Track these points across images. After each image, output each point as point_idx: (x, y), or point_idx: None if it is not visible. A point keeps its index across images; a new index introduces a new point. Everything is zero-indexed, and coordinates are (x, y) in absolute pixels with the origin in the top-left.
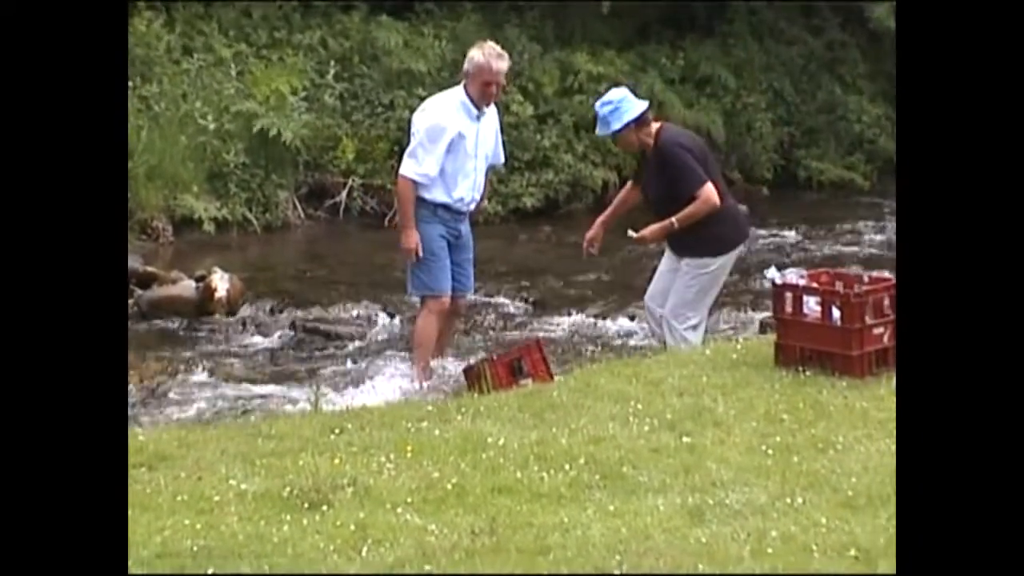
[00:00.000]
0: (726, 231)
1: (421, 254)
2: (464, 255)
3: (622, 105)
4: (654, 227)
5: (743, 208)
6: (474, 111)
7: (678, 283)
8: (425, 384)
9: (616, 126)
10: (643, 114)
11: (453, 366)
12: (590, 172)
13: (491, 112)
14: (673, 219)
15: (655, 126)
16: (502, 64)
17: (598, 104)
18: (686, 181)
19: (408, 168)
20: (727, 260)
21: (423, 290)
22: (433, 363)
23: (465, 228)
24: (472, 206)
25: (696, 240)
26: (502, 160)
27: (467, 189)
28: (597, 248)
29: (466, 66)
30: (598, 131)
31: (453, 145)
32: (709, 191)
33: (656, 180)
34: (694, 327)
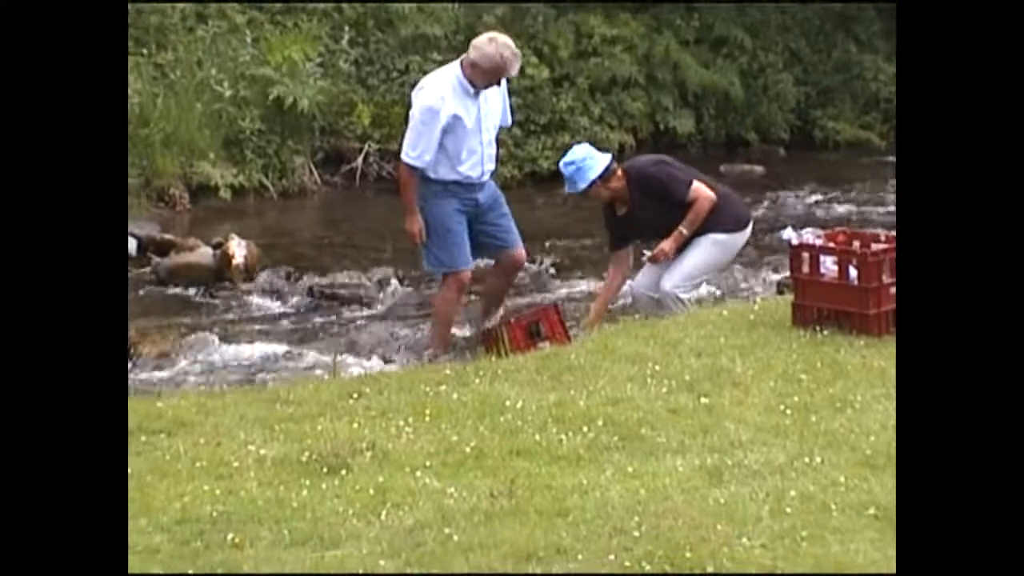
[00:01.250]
0: (732, 211)
1: (431, 234)
2: (495, 214)
3: (584, 164)
4: (667, 242)
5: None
6: (471, 90)
7: (688, 256)
8: (442, 357)
9: (582, 186)
10: (608, 168)
11: (469, 331)
12: (606, 135)
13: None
14: (681, 227)
15: (620, 170)
16: (517, 66)
17: (562, 164)
18: (676, 189)
19: (406, 153)
20: (740, 239)
21: (439, 266)
22: (490, 321)
23: (485, 195)
24: (485, 177)
25: (715, 222)
26: (509, 122)
27: (474, 164)
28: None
29: (475, 57)
30: (566, 190)
31: (450, 126)
32: (701, 189)
33: (644, 209)
34: (686, 289)
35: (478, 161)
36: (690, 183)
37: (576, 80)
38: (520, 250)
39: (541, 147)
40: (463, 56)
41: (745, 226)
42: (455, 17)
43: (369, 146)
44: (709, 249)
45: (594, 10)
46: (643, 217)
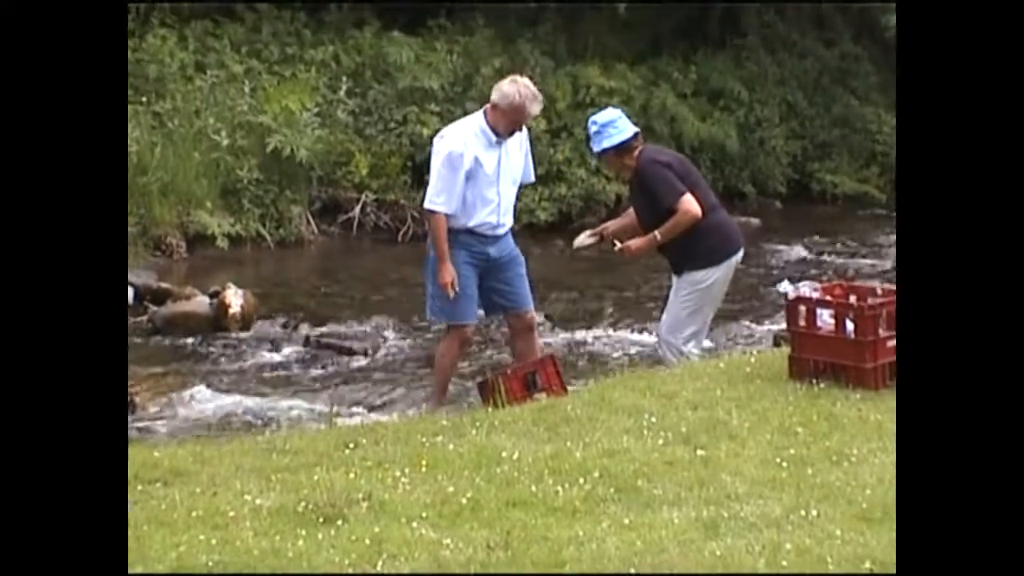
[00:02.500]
0: (715, 242)
1: (438, 283)
2: (509, 273)
3: (604, 130)
4: (639, 240)
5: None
6: (493, 138)
7: (674, 301)
8: (442, 410)
9: (596, 149)
10: (625, 142)
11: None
12: (603, 186)
13: (516, 134)
14: (656, 232)
15: (639, 150)
16: (537, 108)
17: (589, 122)
18: (664, 195)
19: (431, 200)
20: (721, 273)
21: (442, 317)
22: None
23: (498, 249)
24: (501, 230)
25: (686, 254)
26: (532, 178)
27: (489, 214)
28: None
29: (496, 98)
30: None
31: (471, 173)
32: (688, 202)
33: (639, 200)
34: (693, 335)
35: (493, 211)
36: (682, 193)
37: (573, 131)
38: (529, 312)
39: (538, 198)
40: (486, 105)
41: (722, 260)
42: (453, 69)
43: (366, 196)
44: (687, 291)
45: (592, 62)
46: (636, 202)
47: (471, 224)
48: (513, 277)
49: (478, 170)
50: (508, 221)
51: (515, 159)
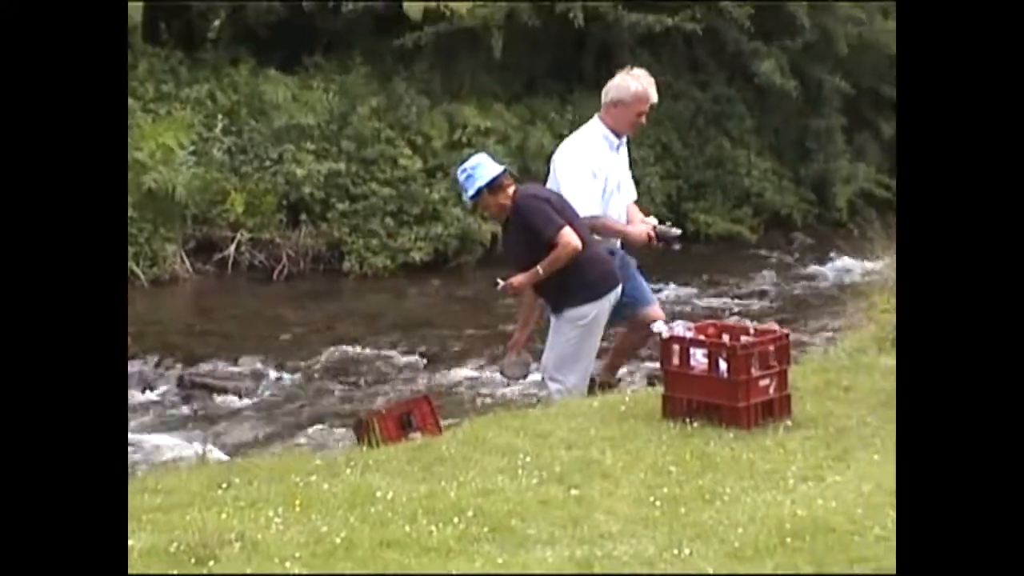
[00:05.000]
0: (594, 278)
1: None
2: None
3: (475, 172)
4: (521, 276)
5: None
6: (615, 141)
7: (557, 339)
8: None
9: (470, 192)
10: (496, 179)
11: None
12: (479, 226)
13: (624, 146)
14: (538, 266)
15: (513, 188)
16: (654, 91)
17: (458, 171)
18: (544, 228)
19: (589, 207)
20: (601, 308)
21: None
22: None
23: (617, 258)
24: (617, 243)
25: (566, 291)
26: (634, 195)
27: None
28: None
29: (615, 95)
30: (463, 199)
31: (603, 182)
32: (568, 235)
33: (517, 237)
34: (583, 371)
35: (617, 220)
36: (562, 226)
37: (449, 170)
38: (655, 308)
39: (414, 237)
40: (602, 106)
41: (602, 295)
42: (329, 107)
43: (241, 235)
44: (565, 331)
45: (468, 101)
46: (512, 242)
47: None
48: (629, 279)
49: (605, 179)
50: None
51: (625, 171)
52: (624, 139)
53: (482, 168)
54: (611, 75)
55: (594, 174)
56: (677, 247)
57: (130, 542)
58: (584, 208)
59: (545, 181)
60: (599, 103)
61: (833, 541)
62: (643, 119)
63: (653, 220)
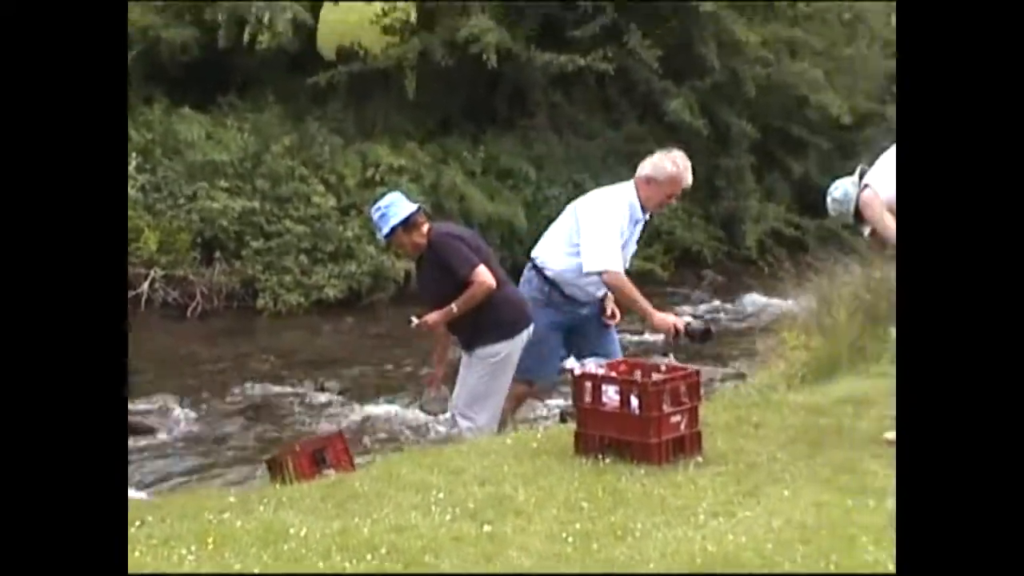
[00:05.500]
0: (507, 316)
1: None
2: (595, 325)
3: (388, 210)
4: (435, 314)
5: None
6: (639, 215)
7: (469, 376)
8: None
9: (385, 230)
10: (410, 217)
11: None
12: (392, 263)
13: (643, 222)
14: (453, 305)
15: (426, 227)
16: (690, 176)
17: (370, 209)
18: (459, 267)
19: (609, 263)
20: (514, 346)
21: (520, 372)
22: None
23: (589, 309)
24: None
25: (479, 329)
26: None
27: (599, 286)
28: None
29: (651, 172)
30: (379, 236)
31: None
32: (483, 273)
33: (431, 275)
34: (494, 408)
35: (601, 284)
36: (476, 264)
37: (363, 208)
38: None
39: (328, 275)
40: (635, 177)
41: (515, 333)
42: (243, 145)
43: (155, 272)
44: (477, 368)
45: (381, 140)
46: (427, 279)
47: (584, 293)
48: (602, 331)
49: (624, 244)
50: (599, 293)
51: (635, 243)
52: (646, 216)
53: (396, 206)
54: (524, 114)
55: (621, 232)
56: (708, 342)
57: None
58: (607, 261)
59: (464, 221)
60: (511, 143)
61: None
62: (672, 200)
63: (688, 318)
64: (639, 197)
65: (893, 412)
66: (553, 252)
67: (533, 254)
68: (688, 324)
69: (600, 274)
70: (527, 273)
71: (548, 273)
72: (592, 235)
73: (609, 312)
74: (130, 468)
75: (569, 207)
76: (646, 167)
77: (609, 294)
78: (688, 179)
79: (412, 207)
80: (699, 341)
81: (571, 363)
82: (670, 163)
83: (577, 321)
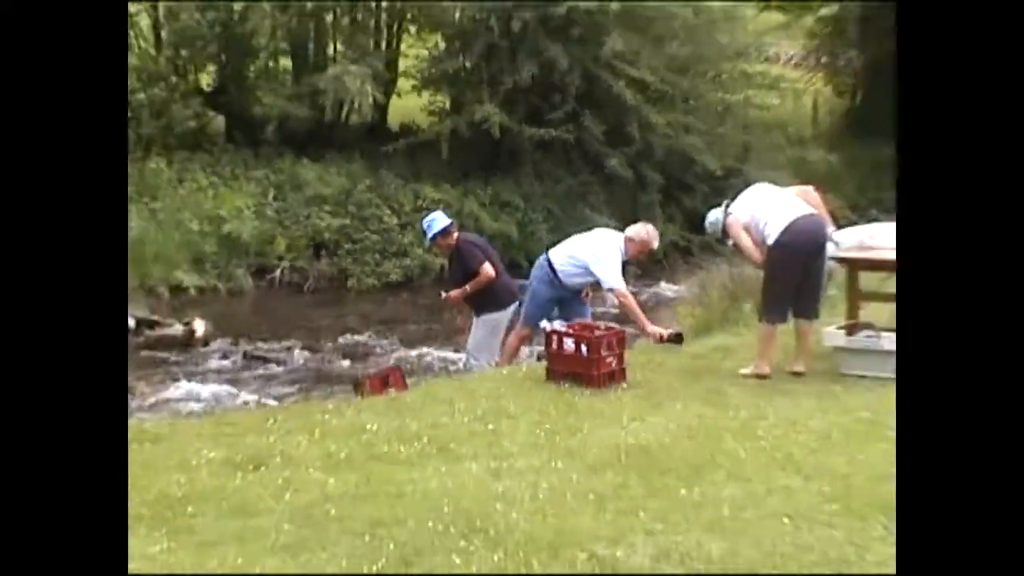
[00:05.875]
0: (501, 295)
1: (531, 300)
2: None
3: (432, 224)
4: (456, 292)
5: (516, 282)
6: (624, 257)
7: (476, 332)
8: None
9: (429, 236)
10: (445, 228)
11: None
12: (433, 259)
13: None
14: (467, 286)
15: (456, 235)
16: (656, 242)
17: (420, 223)
18: (469, 262)
19: (621, 282)
20: (504, 315)
21: (526, 320)
22: None
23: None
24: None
25: (483, 302)
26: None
27: (581, 282)
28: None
29: (632, 234)
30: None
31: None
32: (486, 268)
33: (456, 266)
34: (490, 352)
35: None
36: (483, 261)
37: (415, 225)
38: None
39: (392, 266)
40: (624, 234)
41: (505, 307)
42: (340, 184)
43: (284, 263)
44: (481, 327)
45: (426, 182)
46: (453, 270)
47: (575, 287)
48: (579, 304)
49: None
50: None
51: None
52: (626, 258)
53: (437, 222)
54: (517, 166)
55: (624, 268)
56: (679, 345)
57: (211, 455)
58: (619, 282)
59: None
60: (509, 184)
61: (650, 458)
62: (641, 256)
63: (669, 331)
64: (625, 247)
65: (750, 356)
66: (560, 258)
67: (549, 254)
68: (669, 333)
69: (611, 290)
70: (542, 263)
71: (556, 268)
72: (609, 264)
73: (584, 294)
74: (266, 386)
75: (580, 237)
76: (631, 230)
77: (589, 284)
78: (654, 244)
79: (447, 222)
80: (675, 343)
81: (544, 324)
82: (645, 232)
83: (566, 297)
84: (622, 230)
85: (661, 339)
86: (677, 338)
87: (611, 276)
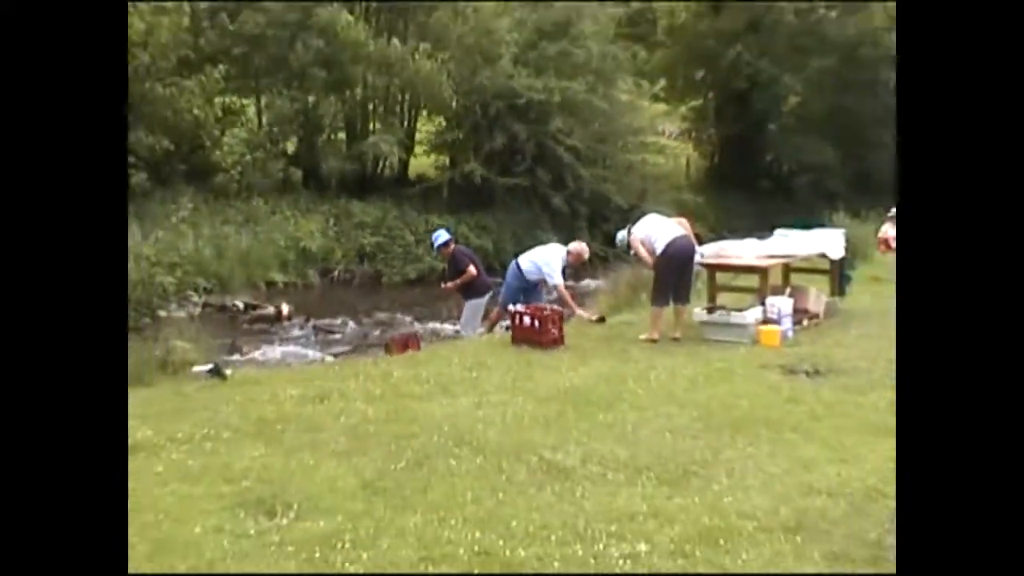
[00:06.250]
0: (480, 288)
1: (507, 290)
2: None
3: (438, 238)
4: (450, 284)
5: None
6: (564, 264)
7: (464, 313)
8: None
9: (436, 246)
10: (446, 241)
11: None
12: (439, 263)
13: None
14: (458, 280)
15: (452, 247)
16: (587, 255)
17: (432, 238)
18: (462, 265)
19: (562, 281)
20: (483, 301)
21: (503, 304)
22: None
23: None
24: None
25: (471, 291)
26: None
27: (538, 279)
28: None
29: (571, 248)
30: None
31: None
32: (471, 269)
33: (451, 268)
34: (473, 327)
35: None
36: (469, 265)
37: (426, 240)
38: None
39: (411, 269)
40: (567, 248)
41: (483, 295)
42: (376, 216)
43: (340, 265)
44: (468, 309)
45: (433, 213)
46: (450, 270)
47: (533, 280)
48: (537, 293)
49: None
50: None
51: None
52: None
53: (441, 236)
54: (492, 203)
55: (563, 271)
56: (602, 323)
57: (294, 392)
58: (559, 279)
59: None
60: (488, 215)
61: (579, 395)
62: (577, 263)
63: (596, 315)
64: (566, 256)
65: (645, 327)
66: (525, 262)
67: (518, 259)
68: (596, 317)
69: (556, 285)
70: (513, 266)
71: (522, 269)
72: (555, 268)
73: (539, 287)
74: (328, 348)
75: (539, 248)
76: (570, 246)
77: (544, 280)
78: (586, 255)
79: (448, 237)
80: (599, 322)
81: (511, 307)
82: (579, 247)
83: (528, 288)
84: (565, 245)
85: (591, 320)
86: (600, 320)
87: (556, 276)
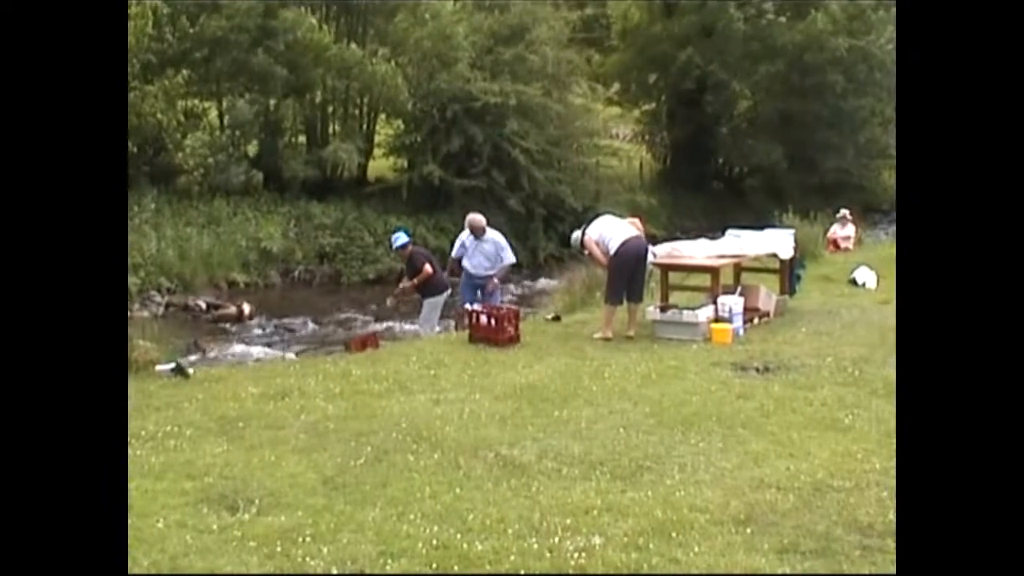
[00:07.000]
0: (437, 286)
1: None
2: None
3: (397, 239)
4: (408, 284)
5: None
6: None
7: (423, 311)
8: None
9: (395, 247)
10: (405, 243)
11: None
12: (397, 264)
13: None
14: (415, 279)
15: (411, 247)
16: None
17: (390, 239)
18: (416, 264)
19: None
20: (440, 299)
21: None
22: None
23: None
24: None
25: (426, 291)
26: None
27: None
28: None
29: (470, 220)
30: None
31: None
32: (428, 268)
33: (409, 268)
34: (431, 325)
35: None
36: (424, 263)
37: (385, 242)
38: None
39: (369, 269)
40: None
41: (441, 293)
42: (335, 217)
43: (300, 266)
44: (425, 308)
45: (392, 214)
46: (408, 270)
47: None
48: (495, 294)
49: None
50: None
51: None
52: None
53: (400, 238)
54: (453, 205)
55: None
56: (558, 322)
57: (253, 390)
58: (510, 261)
59: (425, 247)
60: (447, 217)
61: (536, 392)
62: (477, 237)
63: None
64: (470, 230)
65: (599, 325)
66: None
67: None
68: (552, 316)
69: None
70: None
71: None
72: (509, 254)
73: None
74: (289, 346)
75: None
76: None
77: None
78: (483, 224)
79: (407, 239)
80: (555, 321)
81: (467, 306)
82: (473, 216)
83: (480, 285)
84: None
85: (545, 319)
86: (556, 319)
87: (509, 256)
